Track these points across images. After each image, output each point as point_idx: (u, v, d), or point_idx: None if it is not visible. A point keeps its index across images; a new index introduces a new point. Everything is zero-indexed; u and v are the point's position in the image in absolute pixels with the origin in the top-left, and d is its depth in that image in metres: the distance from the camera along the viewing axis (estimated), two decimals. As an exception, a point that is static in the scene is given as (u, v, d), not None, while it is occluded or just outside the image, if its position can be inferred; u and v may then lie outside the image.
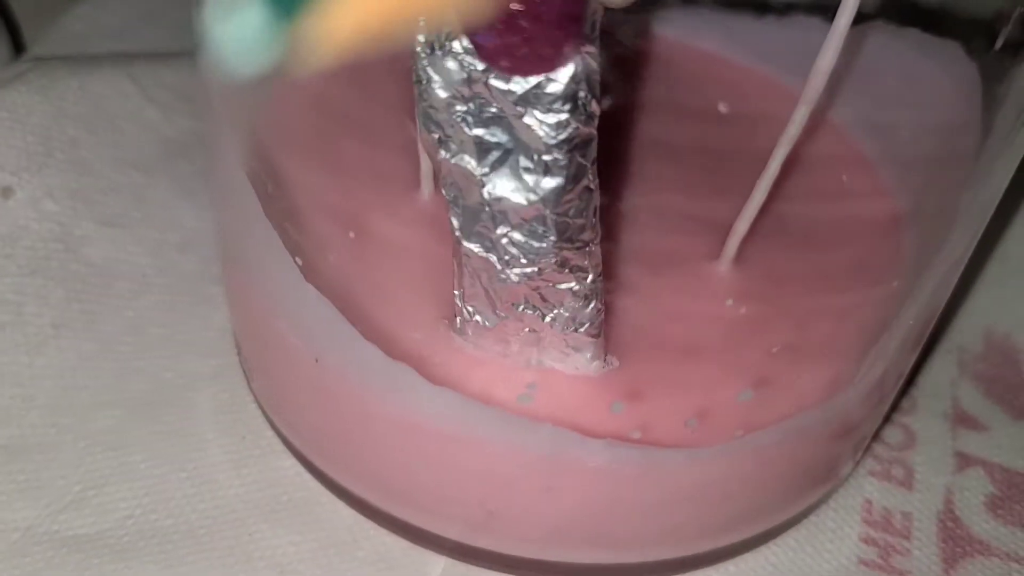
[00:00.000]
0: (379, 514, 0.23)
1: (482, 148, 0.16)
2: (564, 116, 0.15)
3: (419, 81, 0.16)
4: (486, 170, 0.16)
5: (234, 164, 0.21)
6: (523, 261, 0.17)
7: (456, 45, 0.15)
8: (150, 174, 0.29)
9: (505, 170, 0.16)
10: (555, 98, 0.15)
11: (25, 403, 0.25)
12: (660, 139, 0.21)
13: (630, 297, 0.19)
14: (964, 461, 0.27)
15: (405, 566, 0.23)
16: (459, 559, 0.23)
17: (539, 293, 0.18)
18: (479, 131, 0.16)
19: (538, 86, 0.15)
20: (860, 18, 0.17)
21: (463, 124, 0.16)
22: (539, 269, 0.17)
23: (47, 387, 0.26)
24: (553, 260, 0.17)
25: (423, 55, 0.16)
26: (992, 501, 0.26)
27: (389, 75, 0.19)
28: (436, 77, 0.16)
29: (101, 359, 0.27)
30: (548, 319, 0.18)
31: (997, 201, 0.21)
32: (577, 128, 0.16)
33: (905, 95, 0.22)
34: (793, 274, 0.19)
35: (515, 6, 0.14)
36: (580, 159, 0.16)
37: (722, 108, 0.22)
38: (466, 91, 0.16)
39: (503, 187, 0.16)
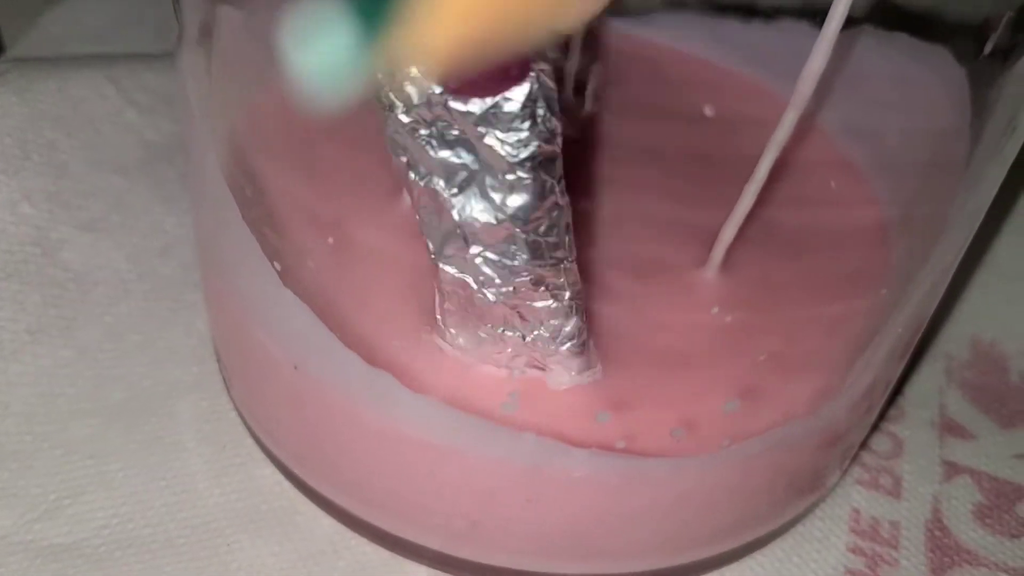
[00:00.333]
0: (360, 524, 0.23)
1: (448, 170, 0.16)
2: (524, 134, 0.15)
3: (383, 107, 0.16)
4: (455, 191, 0.16)
5: (212, 168, 0.20)
6: (498, 281, 0.17)
7: (413, 70, 0.15)
8: (130, 178, 0.29)
9: (473, 190, 0.16)
10: (513, 116, 0.15)
11: (1, 410, 0.25)
12: (645, 143, 0.21)
13: (614, 305, 0.18)
14: (952, 470, 0.27)
15: (386, 576, 0.23)
16: (441, 569, 0.23)
17: (518, 312, 0.18)
18: (444, 153, 0.16)
19: (495, 106, 0.15)
20: (849, 22, 0.17)
21: (428, 147, 0.16)
22: (514, 288, 0.17)
23: (23, 394, 0.25)
24: (528, 279, 0.17)
25: (384, 81, 0.16)
26: (980, 510, 0.26)
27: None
28: (398, 102, 0.16)
29: (78, 366, 0.26)
30: (529, 339, 0.18)
31: (986, 208, 0.20)
32: (539, 145, 0.15)
33: (894, 100, 0.22)
34: (780, 282, 0.19)
35: None
36: (545, 176, 0.16)
37: (708, 112, 0.21)
38: (427, 114, 0.16)
39: (472, 207, 0.16)
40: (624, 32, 0.27)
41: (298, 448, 0.23)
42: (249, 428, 0.25)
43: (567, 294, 0.17)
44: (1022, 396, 0.29)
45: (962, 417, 0.29)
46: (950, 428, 0.28)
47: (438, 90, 0.15)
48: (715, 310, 0.18)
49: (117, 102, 0.30)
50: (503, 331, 0.18)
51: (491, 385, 0.19)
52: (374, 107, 0.16)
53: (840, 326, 0.19)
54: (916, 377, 0.29)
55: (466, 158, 0.16)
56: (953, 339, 0.31)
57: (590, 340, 0.18)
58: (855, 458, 0.26)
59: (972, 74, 0.22)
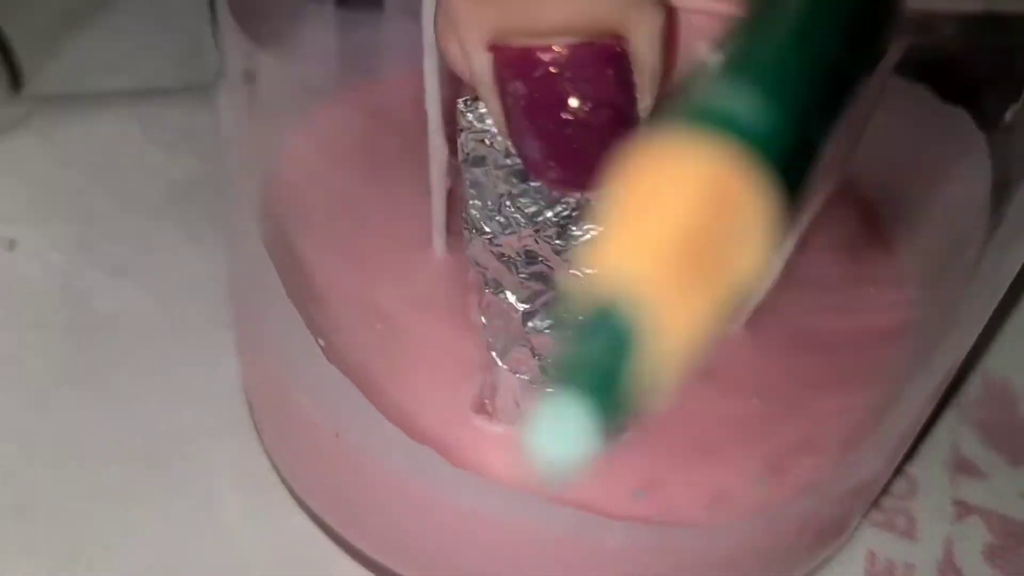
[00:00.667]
0: (394, 577, 0.23)
1: (526, 289, 0.17)
2: None
3: (469, 229, 0.16)
4: (527, 307, 0.17)
5: (255, 237, 0.21)
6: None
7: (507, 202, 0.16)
8: (156, 218, 0.29)
9: (545, 311, 0.17)
10: None
11: (30, 458, 0.25)
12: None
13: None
14: (963, 509, 0.28)
15: (420, 629, 0.23)
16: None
17: None
18: (524, 276, 0.17)
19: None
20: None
21: (509, 268, 0.17)
22: None
23: (51, 442, 0.26)
24: None
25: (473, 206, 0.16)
26: (990, 551, 0.27)
27: (403, 164, 0.19)
28: (487, 229, 0.16)
29: (107, 412, 0.26)
30: None
31: (1011, 278, 0.21)
32: None
33: (914, 166, 0.22)
34: (814, 376, 0.20)
35: (565, 115, 0.14)
36: None
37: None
38: (515, 243, 0.16)
39: (544, 324, 0.17)
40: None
41: (335, 505, 0.23)
42: (281, 476, 0.25)
43: None
44: (1032, 432, 0.30)
45: (974, 455, 0.29)
46: (962, 467, 0.29)
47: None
48: (754, 401, 0.19)
49: (141, 142, 0.30)
50: None
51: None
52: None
53: (868, 410, 0.20)
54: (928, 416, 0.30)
55: (546, 285, 0.16)
56: (964, 376, 0.31)
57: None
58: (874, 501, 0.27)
59: (992, 140, 0.22)
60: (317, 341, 0.20)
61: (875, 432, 0.20)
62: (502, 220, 0.17)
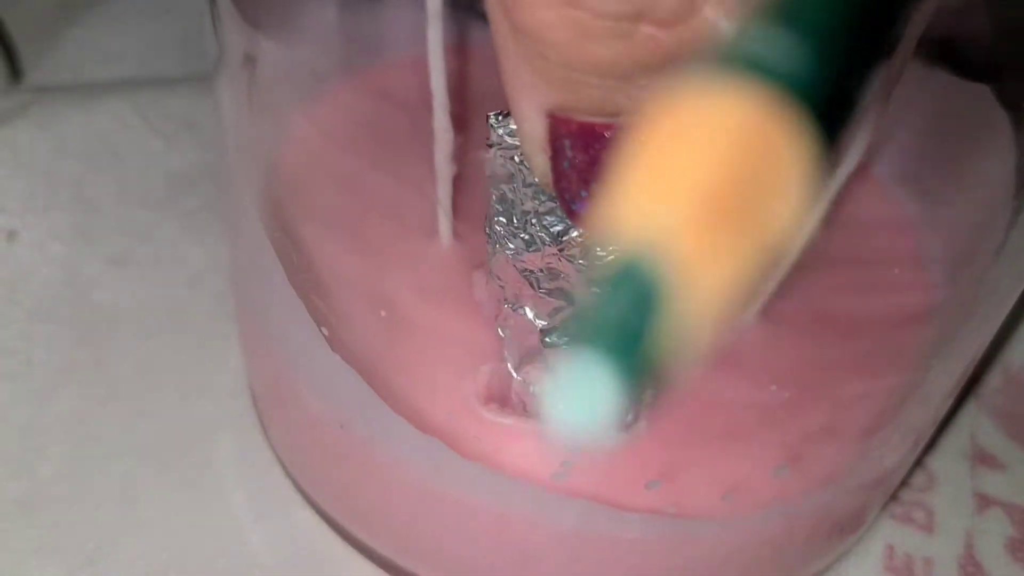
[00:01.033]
0: (401, 572, 0.23)
1: (544, 306, 0.17)
2: None
3: (492, 242, 0.16)
4: (544, 323, 0.17)
5: (257, 227, 0.20)
6: None
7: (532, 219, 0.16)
8: (157, 209, 0.29)
9: (562, 332, 0.17)
10: None
11: (37, 455, 0.25)
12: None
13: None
14: (984, 502, 0.27)
15: (428, 625, 0.23)
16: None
17: None
18: (544, 291, 0.17)
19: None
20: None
21: (531, 283, 0.17)
22: None
23: (58, 438, 0.25)
24: None
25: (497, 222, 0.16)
26: (1012, 544, 0.26)
27: (407, 148, 0.19)
28: (511, 245, 0.16)
29: (111, 406, 0.26)
30: None
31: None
32: None
33: (935, 149, 0.22)
34: (835, 361, 0.19)
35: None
36: None
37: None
38: (538, 261, 0.16)
39: (562, 340, 0.17)
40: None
41: (340, 498, 0.23)
42: (287, 470, 0.25)
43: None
44: (1051, 423, 0.29)
45: (993, 446, 0.29)
46: (981, 458, 0.28)
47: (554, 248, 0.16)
48: (773, 388, 0.18)
49: (142, 132, 0.29)
50: None
51: (544, 454, 0.19)
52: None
53: (889, 396, 0.19)
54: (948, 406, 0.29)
55: (567, 301, 0.16)
56: (983, 365, 0.31)
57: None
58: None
59: (1017, 119, 0.22)
60: (321, 330, 0.19)
61: (896, 420, 0.20)
62: (526, 237, 0.17)
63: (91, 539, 0.24)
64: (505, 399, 0.19)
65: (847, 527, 0.24)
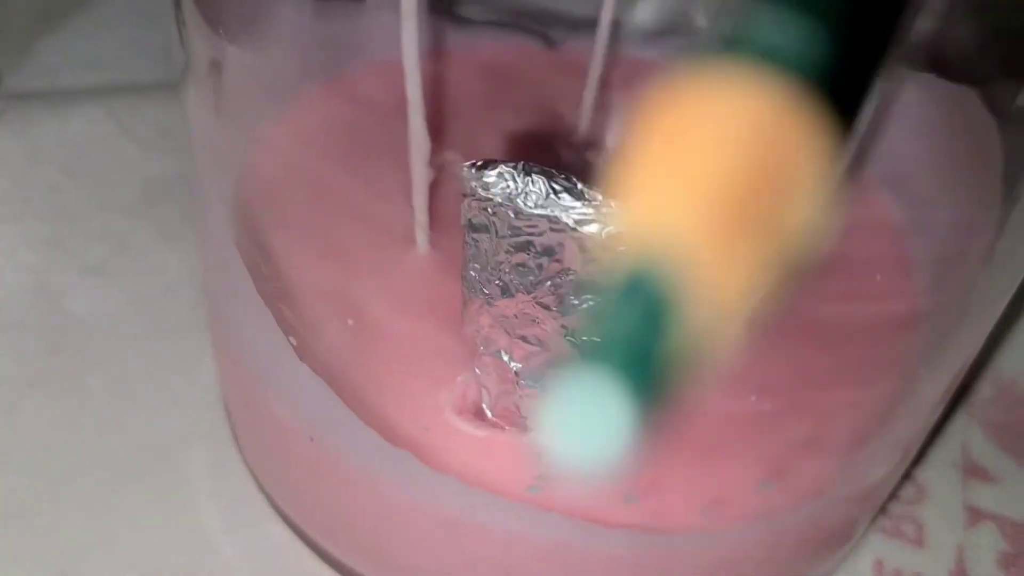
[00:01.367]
0: (376, 588, 0.22)
1: (520, 349, 0.17)
2: None
3: (467, 289, 0.16)
4: (520, 366, 0.17)
5: (226, 236, 0.20)
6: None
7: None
8: (131, 217, 0.28)
9: (538, 373, 0.17)
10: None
11: (3, 465, 0.24)
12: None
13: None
14: (975, 515, 0.27)
15: (404, 642, 0.22)
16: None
17: None
18: (519, 337, 0.17)
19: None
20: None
21: (505, 329, 0.17)
22: None
23: (26, 448, 0.25)
24: None
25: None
26: (1004, 558, 0.26)
27: (380, 155, 0.18)
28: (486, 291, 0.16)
29: (82, 416, 0.25)
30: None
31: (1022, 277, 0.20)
32: None
33: (922, 154, 0.21)
34: (819, 370, 0.18)
35: None
36: None
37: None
38: (512, 307, 0.16)
39: (534, 383, 0.17)
40: (635, 55, 0.26)
41: (312, 512, 0.22)
42: (259, 483, 0.24)
43: None
44: (1044, 434, 0.29)
45: (984, 458, 0.28)
46: (972, 470, 0.28)
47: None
48: (753, 399, 0.18)
49: (117, 139, 0.29)
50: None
51: (518, 467, 0.18)
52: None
53: (876, 407, 0.19)
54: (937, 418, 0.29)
55: (541, 347, 0.17)
56: (974, 376, 0.30)
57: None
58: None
59: (1004, 124, 0.21)
60: (289, 340, 0.19)
61: (883, 431, 0.19)
62: (500, 284, 0.17)
63: (60, 552, 0.23)
64: (480, 411, 0.19)
65: (834, 542, 0.23)
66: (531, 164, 0.16)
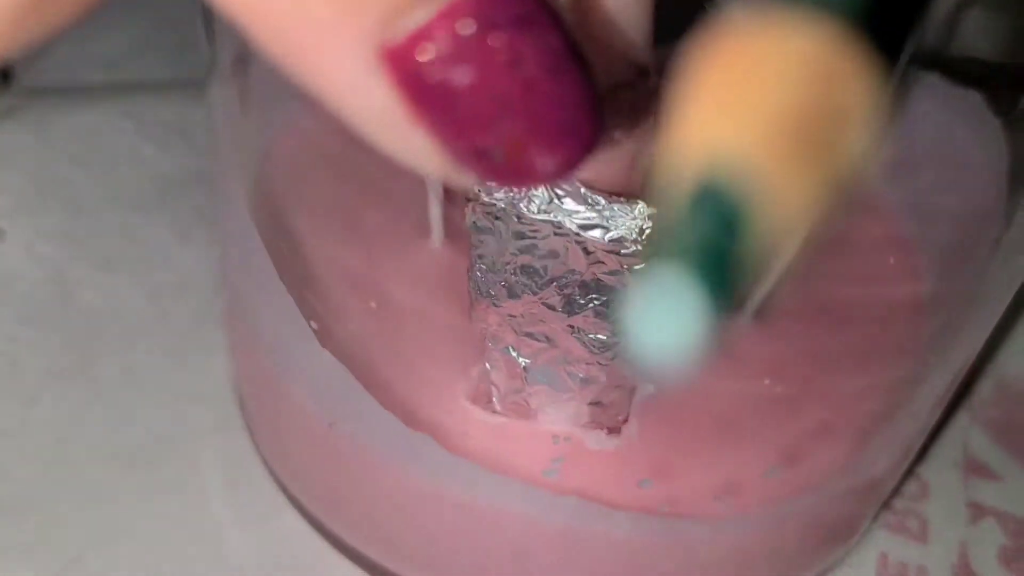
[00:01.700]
0: (389, 576, 0.23)
1: (528, 346, 0.17)
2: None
3: (474, 290, 0.17)
4: (528, 361, 0.17)
5: (248, 223, 0.20)
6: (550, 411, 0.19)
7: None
8: (146, 213, 0.29)
9: (547, 368, 0.17)
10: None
11: (19, 456, 0.24)
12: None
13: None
14: (977, 512, 0.27)
15: (417, 630, 0.22)
16: (472, 623, 0.22)
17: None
18: (527, 334, 0.17)
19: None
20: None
21: (512, 328, 0.17)
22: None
23: (42, 440, 0.25)
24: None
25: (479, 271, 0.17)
26: (1006, 553, 0.26)
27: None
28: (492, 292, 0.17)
29: (97, 409, 0.26)
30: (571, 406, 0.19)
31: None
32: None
33: (926, 152, 0.22)
34: (831, 354, 0.19)
35: (504, 81, 0.10)
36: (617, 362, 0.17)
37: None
38: (518, 307, 0.17)
39: (543, 378, 0.17)
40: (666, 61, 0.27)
41: (328, 500, 0.23)
42: (274, 475, 0.25)
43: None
44: (1044, 434, 0.29)
45: (986, 457, 0.29)
46: (974, 468, 0.28)
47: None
48: (766, 382, 0.18)
49: (133, 136, 0.29)
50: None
51: (534, 450, 0.19)
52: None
53: (885, 393, 0.19)
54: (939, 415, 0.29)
55: (548, 343, 0.17)
56: (975, 375, 0.31)
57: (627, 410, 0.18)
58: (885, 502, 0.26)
59: (1009, 126, 0.22)
60: (310, 325, 0.19)
61: (890, 421, 0.20)
62: (505, 286, 0.17)
63: (73, 542, 0.23)
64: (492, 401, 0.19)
65: (839, 534, 0.24)
66: None
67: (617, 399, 0.18)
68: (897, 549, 0.26)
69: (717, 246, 0.07)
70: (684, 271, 0.07)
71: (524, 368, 0.18)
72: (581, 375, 0.17)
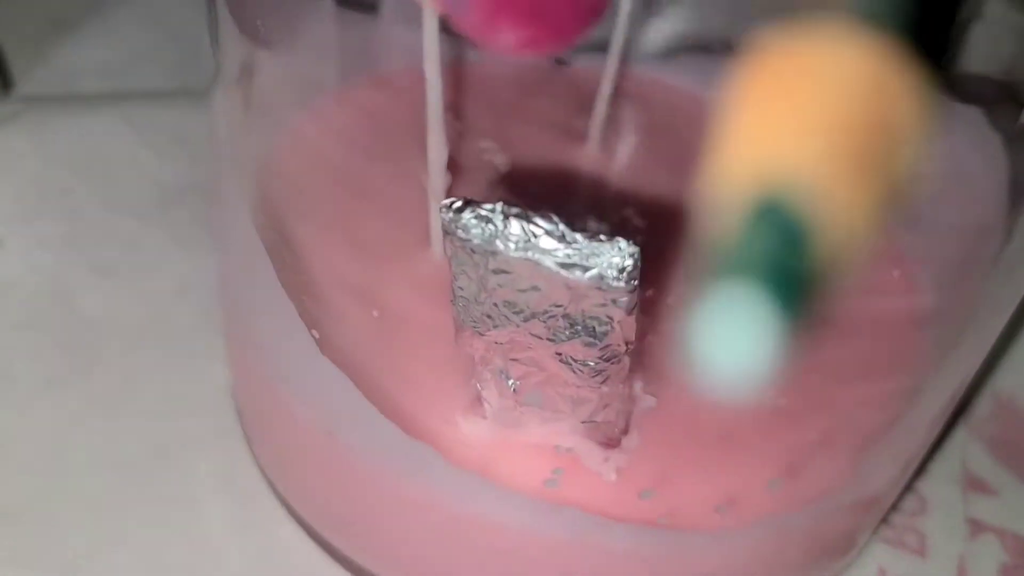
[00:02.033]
0: (387, 587, 0.22)
1: (516, 369, 0.17)
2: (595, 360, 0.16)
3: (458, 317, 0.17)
4: (518, 383, 0.17)
5: (249, 231, 0.20)
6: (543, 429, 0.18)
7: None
8: (145, 221, 0.28)
9: (536, 391, 0.17)
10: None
11: (16, 464, 0.24)
12: (678, 199, 0.21)
13: (665, 388, 0.18)
14: (976, 527, 0.27)
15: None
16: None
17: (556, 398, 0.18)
18: (513, 359, 0.17)
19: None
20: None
21: (499, 353, 0.17)
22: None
23: (39, 447, 0.25)
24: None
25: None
26: (1005, 570, 0.26)
27: (407, 148, 0.19)
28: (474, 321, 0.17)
29: (94, 417, 0.26)
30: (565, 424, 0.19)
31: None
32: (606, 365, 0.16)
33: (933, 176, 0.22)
34: (833, 366, 0.19)
35: None
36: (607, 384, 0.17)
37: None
38: (504, 336, 0.16)
39: (534, 399, 0.17)
40: (648, 77, 0.27)
41: (326, 510, 0.22)
42: (271, 484, 0.24)
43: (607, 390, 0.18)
44: (1042, 450, 0.29)
45: (984, 472, 0.28)
46: (973, 484, 0.28)
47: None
48: (767, 394, 0.18)
49: (132, 144, 0.29)
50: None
51: (535, 461, 0.19)
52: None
53: (885, 406, 0.19)
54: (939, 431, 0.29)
55: (537, 367, 0.17)
56: (974, 391, 0.31)
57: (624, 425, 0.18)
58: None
59: (1009, 141, 0.22)
60: (311, 333, 0.19)
61: (891, 434, 0.20)
62: (489, 317, 0.17)
63: (69, 551, 0.23)
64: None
65: (838, 548, 0.23)
66: (509, 206, 0.15)
67: (612, 416, 0.18)
68: (896, 564, 0.26)
69: (782, 263, 0.07)
70: (751, 290, 0.07)
71: (514, 390, 0.18)
72: (572, 396, 0.17)
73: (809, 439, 0.18)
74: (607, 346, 0.16)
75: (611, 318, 0.15)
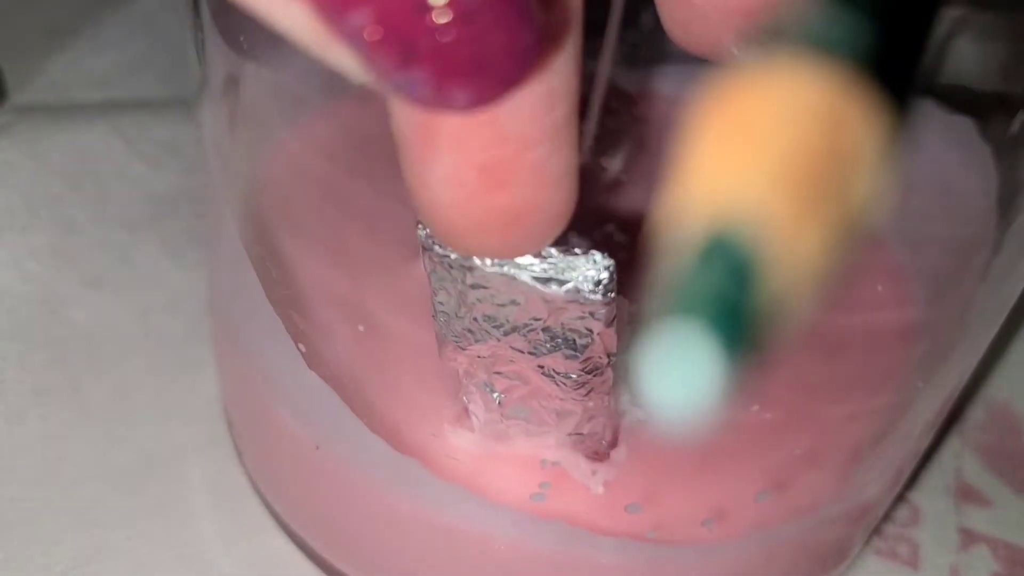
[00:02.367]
0: (377, 600, 0.22)
1: (501, 382, 0.17)
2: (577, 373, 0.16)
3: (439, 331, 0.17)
4: (503, 396, 0.17)
5: (237, 244, 0.20)
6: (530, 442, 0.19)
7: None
8: (137, 232, 0.28)
9: (521, 404, 0.17)
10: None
11: (6, 475, 0.24)
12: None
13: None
14: (969, 538, 0.27)
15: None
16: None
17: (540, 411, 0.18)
18: (497, 372, 0.17)
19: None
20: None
21: (482, 367, 0.17)
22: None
23: (29, 458, 0.25)
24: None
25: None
26: (998, 580, 0.26)
27: (393, 162, 0.19)
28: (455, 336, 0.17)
29: (84, 428, 0.26)
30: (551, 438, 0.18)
31: (1018, 294, 0.20)
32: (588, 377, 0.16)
33: (917, 182, 0.22)
34: (820, 381, 0.19)
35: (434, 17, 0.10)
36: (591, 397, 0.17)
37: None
38: (485, 350, 0.16)
39: (519, 412, 0.17)
40: (648, 87, 0.27)
41: (315, 523, 0.22)
42: (261, 495, 0.24)
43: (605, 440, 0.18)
44: (1036, 459, 0.29)
45: (978, 482, 0.28)
46: (966, 494, 0.28)
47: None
48: (755, 408, 0.18)
49: (124, 155, 0.29)
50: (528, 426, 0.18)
51: (522, 475, 0.18)
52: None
53: (874, 419, 0.19)
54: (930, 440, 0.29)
55: (520, 380, 0.17)
56: (966, 400, 0.31)
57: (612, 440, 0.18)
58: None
59: (999, 152, 0.22)
60: (298, 347, 0.19)
61: (880, 447, 0.20)
62: (469, 332, 0.17)
63: (58, 563, 0.23)
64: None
65: (830, 560, 0.23)
66: None
67: (598, 429, 0.18)
68: (888, 575, 0.26)
69: (730, 298, 0.07)
70: (697, 325, 0.07)
71: (499, 403, 0.18)
72: (556, 408, 0.17)
73: (797, 453, 0.18)
74: (588, 359, 0.16)
75: (591, 331, 0.15)
